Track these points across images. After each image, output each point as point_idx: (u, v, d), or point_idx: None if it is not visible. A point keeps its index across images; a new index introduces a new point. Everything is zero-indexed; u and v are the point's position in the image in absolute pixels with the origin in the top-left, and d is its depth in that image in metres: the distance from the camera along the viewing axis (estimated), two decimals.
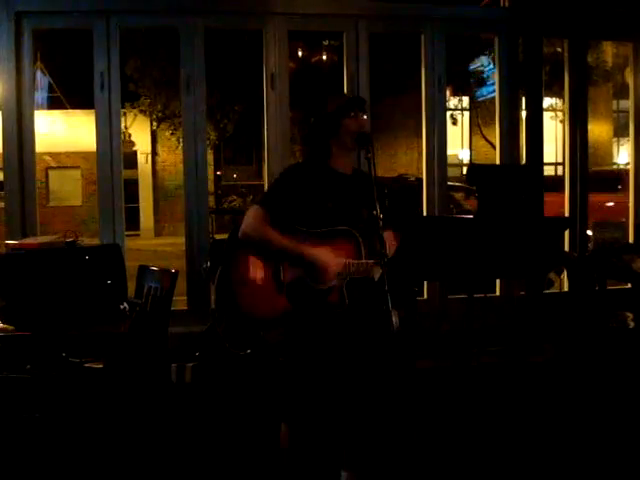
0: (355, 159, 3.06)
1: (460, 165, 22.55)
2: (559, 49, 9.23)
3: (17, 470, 3.42)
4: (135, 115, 19.01)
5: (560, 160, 18.24)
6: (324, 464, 3.13)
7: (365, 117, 2.90)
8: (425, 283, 5.48)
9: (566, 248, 5.76)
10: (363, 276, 2.79)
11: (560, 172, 17.21)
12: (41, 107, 17.69)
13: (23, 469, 3.42)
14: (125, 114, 16.84)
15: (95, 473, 3.41)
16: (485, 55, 17.02)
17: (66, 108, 19.60)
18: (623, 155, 22.17)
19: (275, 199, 2.90)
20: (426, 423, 3.97)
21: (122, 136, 5.58)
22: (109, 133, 5.22)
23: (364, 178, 2.87)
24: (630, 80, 6.48)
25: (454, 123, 20.57)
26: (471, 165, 10.04)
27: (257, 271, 2.85)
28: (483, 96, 20.13)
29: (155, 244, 18.11)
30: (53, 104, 19.23)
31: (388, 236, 2.84)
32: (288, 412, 3.04)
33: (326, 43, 16.49)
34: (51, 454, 3.53)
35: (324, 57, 16.60)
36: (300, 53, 16.24)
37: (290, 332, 2.90)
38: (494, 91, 6.13)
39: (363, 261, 2.78)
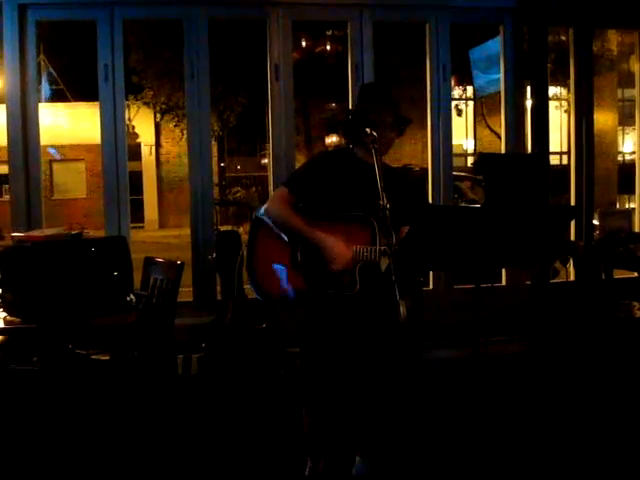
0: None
1: (465, 155, 22.48)
2: (564, 38, 9.18)
3: (24, 463, 3.43)
4: (138, 107, 18.98)
5: (564, 149, 18.19)
6: (339, 449, 3.17)
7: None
8: (431, 273, 5.47)
9: (572, 237, 5.74)
10: (376, 262, 2.84)
11: (565, 161, 17.16)
12: (44, 100, 17.67)
13: (30, 462, 3.44)
14: (129, 106, 16.80)
15: (102, 465, 3.42)
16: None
17: (69, 100, 19.58)
18: (628, 144, 22.09)
19: (300, 182, 3.01)
20: (434, 413, 3.98)
21: (126, 128, 5.56)
22: (113, 125, 5.21)
23: (390, 172, 2.98)
24: (635, 68, 6.44)
25: (459, 114, 20.47)
26: (480, 154, 9.97)
27: (276, 252, 2.96)
28: (486, 88, 19.94)
29: (160, 236, 18.11)
30: (56, 97, 19.21)
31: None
32: (304, 397, 3.11)
33: (330, 33, 16.42)
34: (58, 445, 3.54)
35: (328, 47, 16.54)
36: (304, 43, 16.18)
37: (304, 313, 3.01)
38: (498, 83, 6.12)
39: (371, 247, 2.83)
